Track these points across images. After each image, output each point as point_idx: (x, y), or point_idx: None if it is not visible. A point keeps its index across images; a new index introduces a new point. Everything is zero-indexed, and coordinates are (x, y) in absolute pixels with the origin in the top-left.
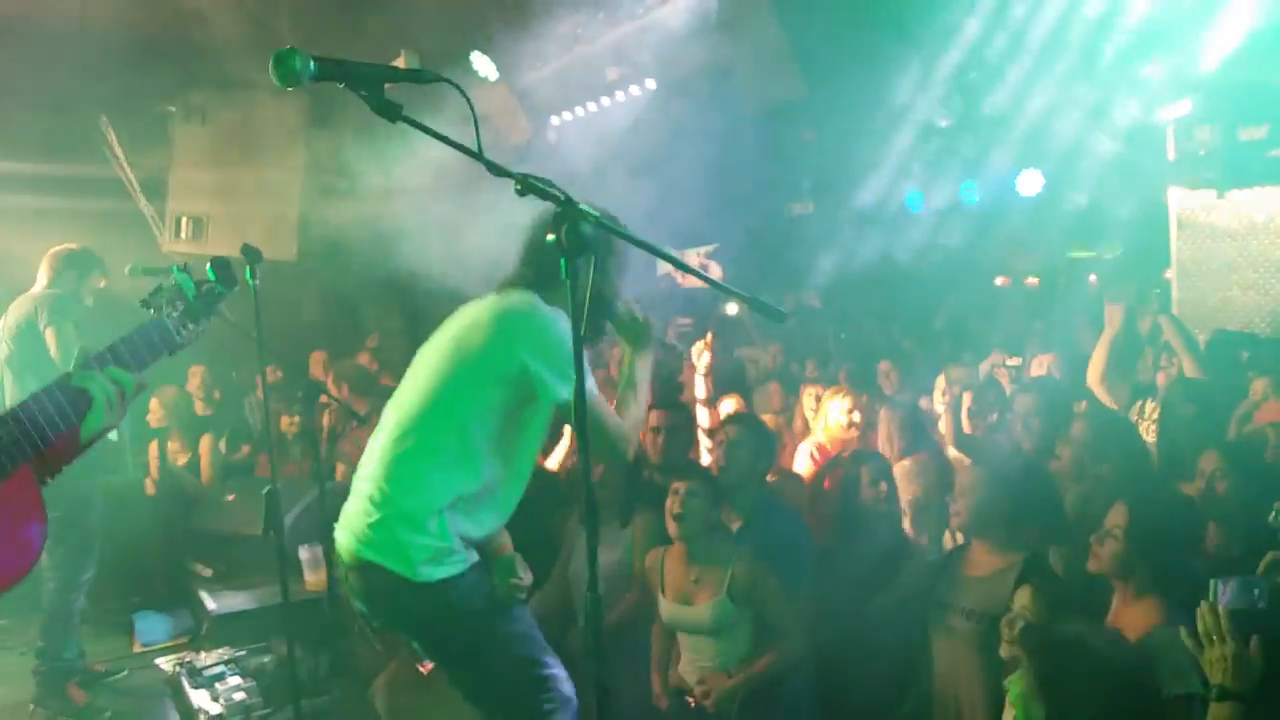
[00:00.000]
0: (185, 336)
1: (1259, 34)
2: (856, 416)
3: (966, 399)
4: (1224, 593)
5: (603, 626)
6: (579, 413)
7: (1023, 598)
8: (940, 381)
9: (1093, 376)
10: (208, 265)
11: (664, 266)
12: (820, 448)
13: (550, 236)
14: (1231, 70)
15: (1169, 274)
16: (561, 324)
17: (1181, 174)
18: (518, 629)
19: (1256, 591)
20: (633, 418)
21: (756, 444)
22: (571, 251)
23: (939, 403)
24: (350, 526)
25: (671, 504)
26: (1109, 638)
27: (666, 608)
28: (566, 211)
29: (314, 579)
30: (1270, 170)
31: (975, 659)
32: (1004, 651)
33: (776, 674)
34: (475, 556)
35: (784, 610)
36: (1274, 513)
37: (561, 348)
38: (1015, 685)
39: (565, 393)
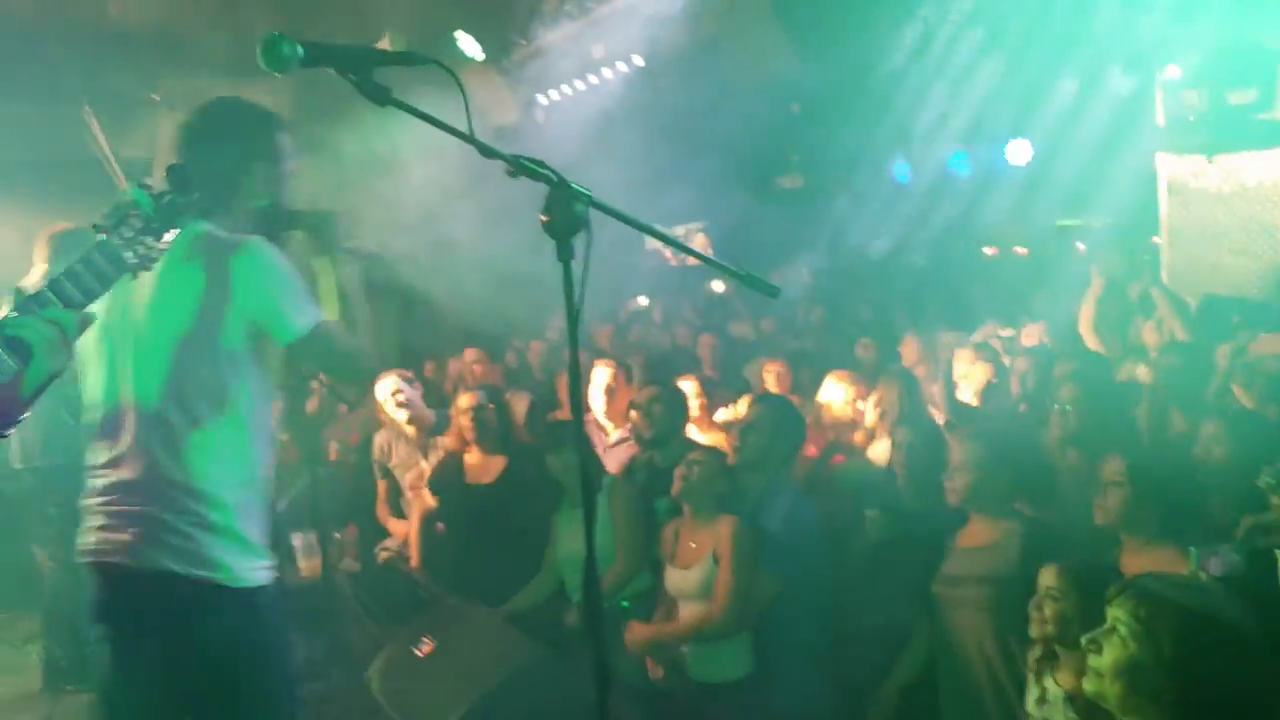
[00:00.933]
0: (143, 255)
1: None
2: (860, 403)
3: (961, 365)
4: (1209, 562)
5: (601, 602)
6: (574, 386)
7: (1048, 577)
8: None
9: (1084, 325)
10: (167, 169)
11: (653, 243)
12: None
13: (544, 219)
14: (1220, 34)
15: (1158, 239)
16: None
17: (1170, 139)
18: None
19: (1236, 558)
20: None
21: (777, 427)
22: (565, 232)
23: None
24: None
25: (682, 471)
26: (1240, 606)
27: (670, 575)
28: (560, 191)
29: (308, 566)
30: (1259, 134)
31: (991, 623)
32: (1035, 631)
33: (688, 636)
34: None
35: (736, 582)
36: (1265, 476)
37: None
38: (1102, 658)
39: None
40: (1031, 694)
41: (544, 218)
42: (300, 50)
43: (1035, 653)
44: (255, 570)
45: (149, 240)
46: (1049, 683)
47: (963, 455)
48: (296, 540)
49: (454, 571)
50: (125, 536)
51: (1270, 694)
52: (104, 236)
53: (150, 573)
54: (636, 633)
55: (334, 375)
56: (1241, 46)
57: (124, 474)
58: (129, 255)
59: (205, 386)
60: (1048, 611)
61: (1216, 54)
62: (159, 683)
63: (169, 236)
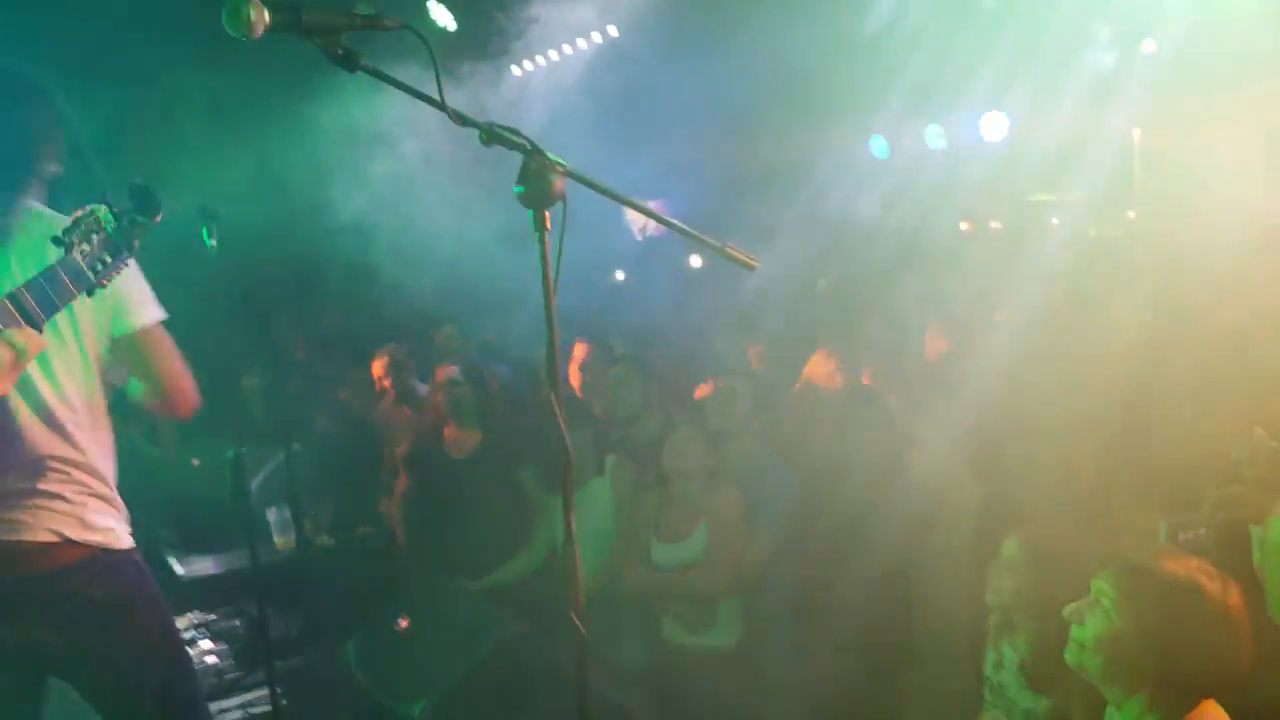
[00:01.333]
0: (103, 273)
1: None
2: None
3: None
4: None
5: (580, 578)
6: (551, 362)
7: (1009, 548)
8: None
9: None
10: (129, 188)
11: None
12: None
13: (518, 187)
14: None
15: (1132, 214)
16: None
17: (1146, 114)
18: None
19: (1204, 530)
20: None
21: (751, 397)
22: (540, 202)
23: None
24: None
25: (669, 448)
26: (1220, 577)
27: (657, 550)
28: (534, 161)
29: (283, 541)
30: (1233, 110)
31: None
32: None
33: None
34: None
35: (733, 546)
36: (1235, 453)
37: None
38: (1085, 629)
39: None
40: (989, 658)
41: (519, 188)
42: (267, 14)
43: (994, 618)
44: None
45: (107, 258)
46: (1005, 649)
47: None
48: (271, 515)
49: (431, 545)
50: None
51: (1248, 664)
52: (65, 252)
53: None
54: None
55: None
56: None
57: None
58: (90, 274)
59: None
60: (1006, 582)
61: (1190, 30)
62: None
63: (127, 259)
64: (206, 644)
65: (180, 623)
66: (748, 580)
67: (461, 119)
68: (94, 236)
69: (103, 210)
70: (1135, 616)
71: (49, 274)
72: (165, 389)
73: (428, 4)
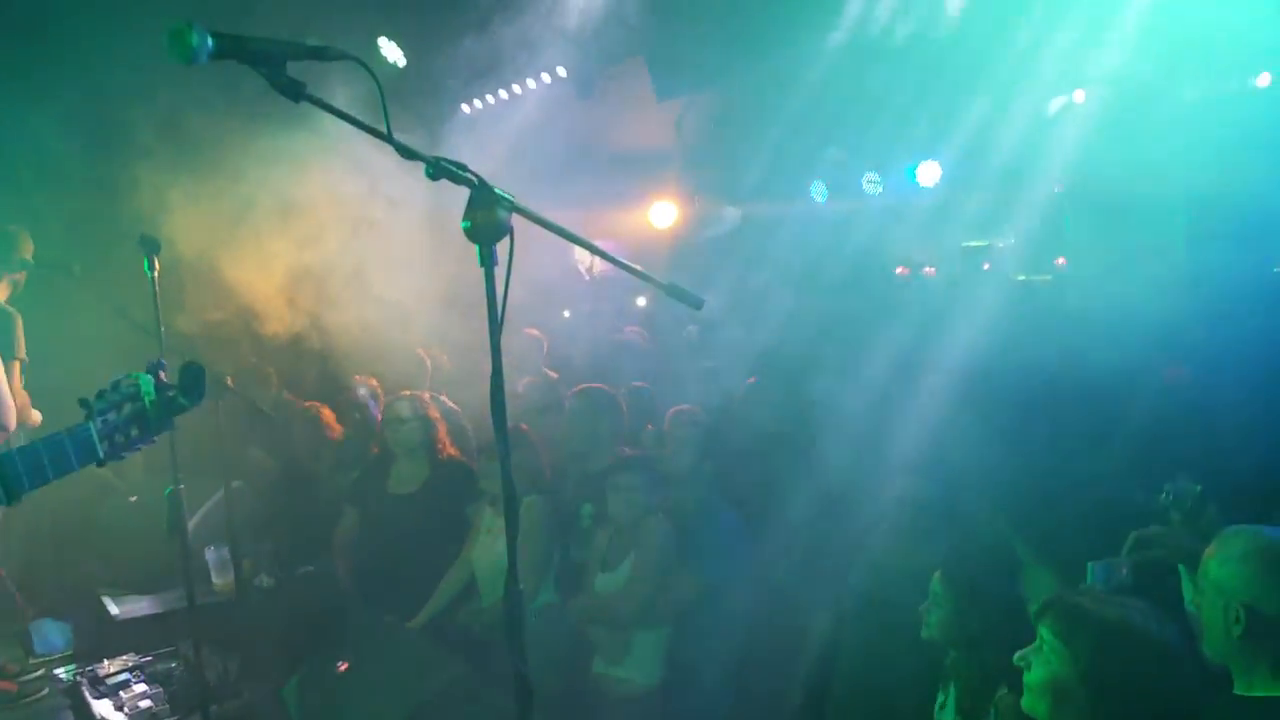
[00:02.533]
0: (119, 447)
1: (1150, 27)
2: None
3: None
4: (1102, 576)
5: (524, 621)
6: (497, 396)
7: (935, 583)
8: None
9: None
10: (181, 367)
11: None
12: None
13: (466, 222)
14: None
15: (1061, 260)
16: None
17: (1074, 161)
18: None
19: (1124, 570)
20: None
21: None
22: (487, 237)
23: None
24: None
25: (613, 495)
26: (1156, 619)
27: (599, 580)
28: (482, 195)
29: (222, 581)
30: (1159, 159)
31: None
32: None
33: (607, 614)
34: None
35: (649, 569)
36: (1165, 493)
37: None
38: (1032, 674)
39: None
40: (937, 699)
41: (466, 222)
42: (210, 41)
43: (947, 659)
44: None
45: (134, 432)
46: (949, 688)
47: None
48: (210, 555)
49: (373, 583)
50: None
51: (1184, 700)
52: (85, 417)
53: None
54: (576, 605)
55: None
56: (1143, 74)
57: None
58: (103, 446)
59: None
60: (933, 616)
61: (1120, 80)
62: None
63: (152, 439)
64: (141, 687)
65: (115, 664)
66: (663, 615)
67: (408, 152)
68: (125, 407)
69: (147, 382)
70: (1074, 659)
71: (52, 441)
72: None
73: (378, 40)
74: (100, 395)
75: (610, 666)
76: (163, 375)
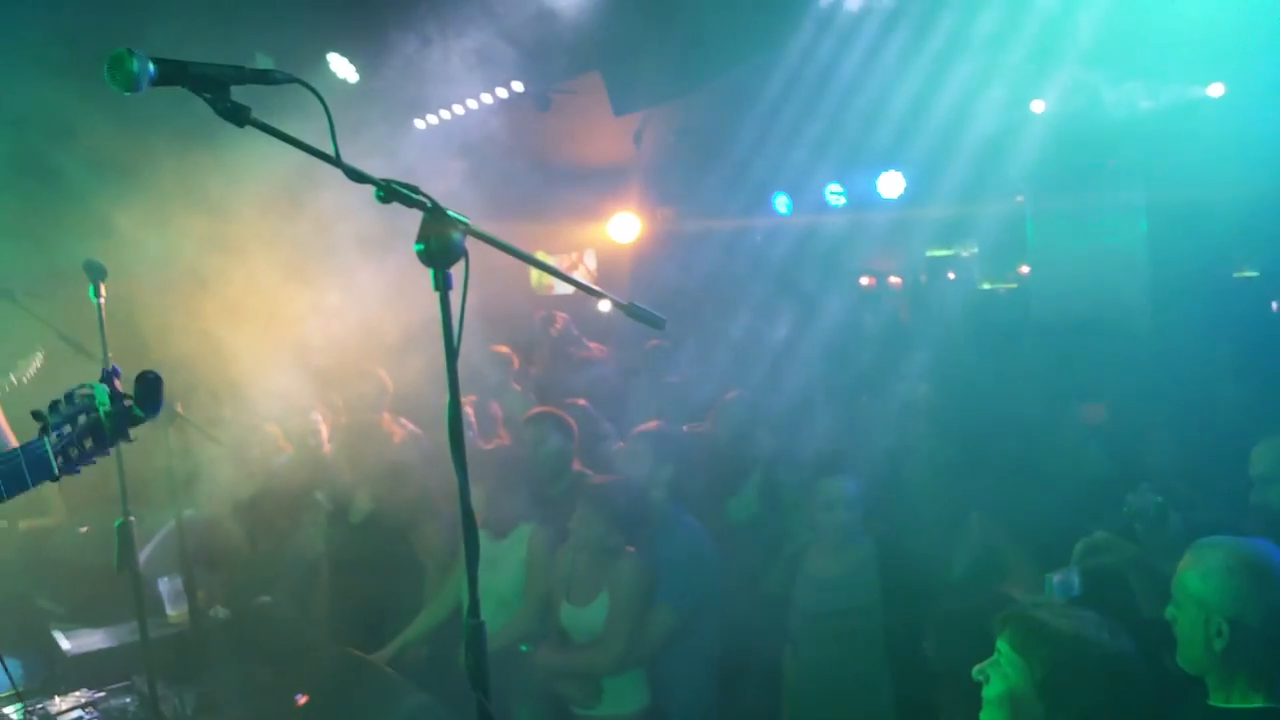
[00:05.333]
0: (73, 461)
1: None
2: None
3: None
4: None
5: (486, 654)
6: (454, 422)
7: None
8: None
9: None
10: (137, 376)
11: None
12: None
13: (419, 245)
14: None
15: (1024, 269)
16: None
17: (1037, 171)
18: None
19: (1075, 579)
20: None
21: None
22: (441, 261)
23: None
24: None
25: (576, 519)
26: (1110, 631)
27: (565, 612)
28: (435, 218)
29: (176, 613)
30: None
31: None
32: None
33: (580, 670)
34: None
35: (630, 622)
36: (1127, 505)
37: None
38: (990, 688)
39: None
40: None
41: (419, 245)
42: (151, 67)
43: None
44: None
45: (88, 444)
46: None
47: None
48: (163, 586)
49: (338, 614)
50: None
51: (1140, 712)
52: (40, 431)
53: None
54: (544, 658)
55: None
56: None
57: None
58: (58, 462)
59: None
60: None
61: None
62: None
63: (108, 451)
64: None
65: (67, 701)
66: (640, 659)
67: (357, 175)
68: (80, 419)
69: (102, 392)
70: (1030, 671)
71: (6, 459)
72: None
73: (327, 56)
74: (54, 408)
75: (588, 711)
76: (117, 384)
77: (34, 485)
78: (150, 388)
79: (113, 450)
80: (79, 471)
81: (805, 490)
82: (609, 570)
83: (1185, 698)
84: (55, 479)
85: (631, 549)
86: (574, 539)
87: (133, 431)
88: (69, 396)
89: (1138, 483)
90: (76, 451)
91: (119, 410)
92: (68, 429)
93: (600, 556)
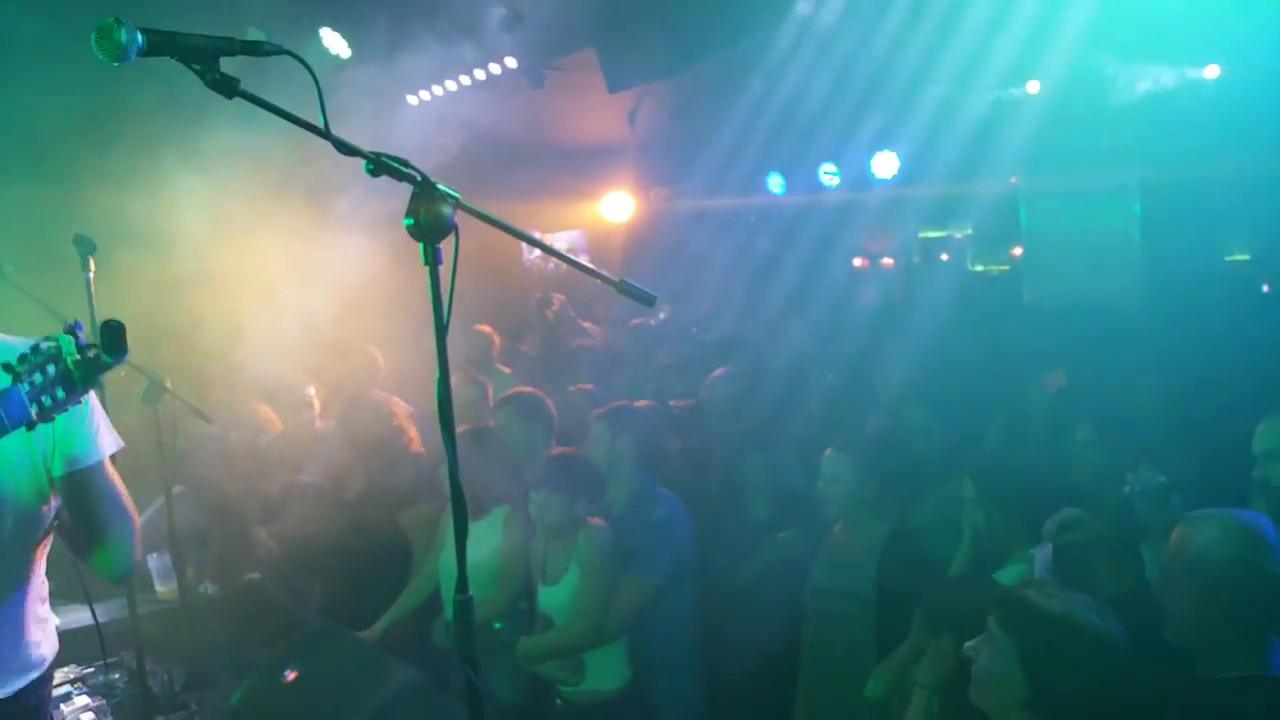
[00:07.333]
0: (47, 410)
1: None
2: None
3: None
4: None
5: (474, 629)
6: (443, 400)
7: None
8: None
9: None
10: (101, 324)
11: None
12: None
13: (408, 219)
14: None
15: (1017, 250)
16: None
17: (1030, 153)
18: None
19: (1049, 555)
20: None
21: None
22: (431, 235)
23: None
24: None
25: (534, 510)
26: (1100, 613)
27: (541, 594)
28: (425, 192)
29: (165, 589)
30: (1112, 149)
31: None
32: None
33: (559, 646)
34: None
35: (594, 591)
36: (1128, 485)
37: None
38: (979, 665)
39: None
40: None
41: (408, 219)
42: (140, 38)
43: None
44: None
45: (60, 393)
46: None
47: (833, 467)
48: (152, 562)
49: (330, 590)
50: None
51: (1127, 693)
52: (12, 381)
53: None
54: (524, 648)
55: None
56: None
57: None
58: (34, 409)
59: None
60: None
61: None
62: None
63: (81, 396)
64: (84, 699)
65: (55, 677)
66: (616, 630)
67: (347, 148)
68: (49, 368)
69: (68, 342)
70: (1017, 650)
71: None
72: (96, 534)
73: (320, 31)
74: (21, 359)
75: (571, 689)
76: (79, 336)
77: (10, 430)
78: (114, 334)
79: (81, 399)
80: (53, 419)
81: (757, 471)
82: (574, 544)
83: (1168, 675)
84: (30, 425)
85: (596, 521)
86: (537, 527)
87: (126, 419)
88: (35, 348)
89: (1136, 463)
90: (49, 400)
91: (86, 359)
92: (38, 377)
93: (565, 533)
